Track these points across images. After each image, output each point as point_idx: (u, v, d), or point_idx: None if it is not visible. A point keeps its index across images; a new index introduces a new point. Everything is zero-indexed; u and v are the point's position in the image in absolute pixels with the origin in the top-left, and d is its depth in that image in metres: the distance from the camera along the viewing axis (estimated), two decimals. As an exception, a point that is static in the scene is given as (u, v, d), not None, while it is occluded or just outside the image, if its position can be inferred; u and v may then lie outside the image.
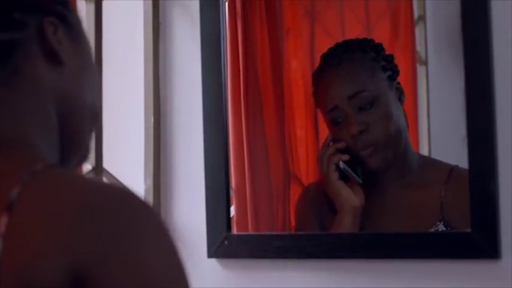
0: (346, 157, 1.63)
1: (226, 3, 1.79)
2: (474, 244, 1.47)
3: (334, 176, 1.65)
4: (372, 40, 1.67)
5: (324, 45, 1.76)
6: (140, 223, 0.81)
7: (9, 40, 0.89)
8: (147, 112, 1.85)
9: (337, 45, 1.69)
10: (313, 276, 1.64)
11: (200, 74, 1.77)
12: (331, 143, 1.66)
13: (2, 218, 0.79)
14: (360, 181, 1.64)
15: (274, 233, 1.74)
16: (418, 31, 1.69)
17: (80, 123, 0.96)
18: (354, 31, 1.74)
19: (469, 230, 1.48)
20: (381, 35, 1.71)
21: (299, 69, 1.79)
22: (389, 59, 1.65)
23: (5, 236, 0.78)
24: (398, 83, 1.64)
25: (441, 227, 1.57)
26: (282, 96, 1.79)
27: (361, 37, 1.69)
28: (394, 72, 1.64)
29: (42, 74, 0.91)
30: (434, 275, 1.52)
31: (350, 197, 1.64)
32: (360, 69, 1.65)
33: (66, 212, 0.79)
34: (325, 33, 1.78)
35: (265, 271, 1.69)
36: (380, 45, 1.66)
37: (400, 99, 1.64)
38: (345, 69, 1.65)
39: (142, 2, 1.85)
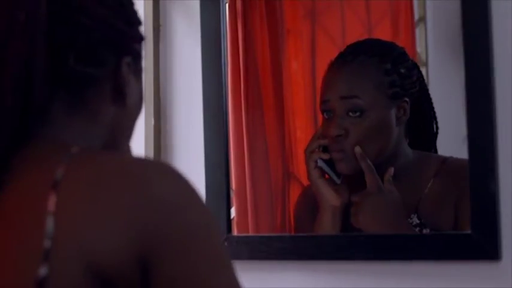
0: (326, 156, 1.63)
1: (227, 5, 1.79)
2: (474, 245, 1.47)
3: (315, 173, 1.64)
4: (399, 48, 1.64)
5: (324, 46, 1.76)
6: (183, 191, 0.86)
7: (88, 74, 0.93)
8: (147, 113, 1.85)
9: (364, 41, 1.67)
10: (313, 278, 1.64)
11: (200, 76, 1.77)
12: (319, 138, 1.65)
13: (50, 196, 0.82)
14: (338, 181, 1.64)
15: (274, 234, 1.73)
16: (419, 32, 1.69)
17: (119, 147, 1.01)
18: (355, 32, 1.74)
19: (469, 232, 1.48)
20: (381, 36, 1.71)
21: (299, 70, 1.79)
22: (405, 74, 1.61)
23: (55, 213, 0.81)
24: (406, 101, 1.60)
25: (415, 220, 1.58)
26: (282, 97, 1.79)
27: (391, 41, 1.68)
28: (404, 90, 1.60)
29: (105, 110, 0.95)
30: (435, 277, 1.52)
31: (329, 196, 1.63)
32: (366, 76, 1.61)
33: (113, 186, 0.83)
34: (326, 34, 1.78)
35: (266, 272, 1.69)
36: (402, 56, 1.62)
37: (400, 118, 1.60)
38: (352, 69, 1.63)
39: (142, 3, 1.85)
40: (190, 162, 1.80)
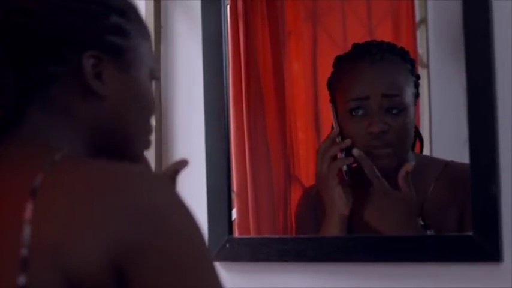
0: (350, 160, 1.61)
1: (228, 6, 1.79)
2: (476, 247, 1.47)
3: (334, 181, 1.62)
4: (409, 52, 1.64)
5: (325, 47, 1.76)
6: (162, 198, 0.85)
7: (50, 73, 0.93)
8: (148, 115, 1.85)
9: (380, 42, 1.65)
10: (314, 279, 1.64)
11: (202, 77, 1.77)
12: (337, 139, 1.63)
13: (27, 204, 0.82)
14: (348, 180, 1.63)
15: (276, 236, 1.73)
16: (420, 34, 1.69)
17: (122, 152, 0.98)
18: (356, 34, 1.74)
19: (471, 233, 1.48)
20: (382, 37, 1.71)
21: (300, 72, 1.79)
22: (418, 77, 1.63)
23: (32, 222, 0.81)
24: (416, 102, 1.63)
25: (420, 222, 1.57)
26: (284, 98, 1.79)
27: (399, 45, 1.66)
28: (418, 90, 1.63)
29: (77, 106, 0.94)
30: (436, 278, 1.52)
31: (341, 205, 1.62)
32: (400, 74, 1.62)
33: (90, 194, 0.82)
34: (327, 35, 1.78)
35: (267, 274, 1.68)
36: (414, 61, 1.63)
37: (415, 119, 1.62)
38: (386, 67, 1.62)
39: (143, 3, 1.85)
40: (192, 164, 1.80)
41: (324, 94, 1.71)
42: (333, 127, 1.66)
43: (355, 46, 1.67)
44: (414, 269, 1.54)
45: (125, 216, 0.81)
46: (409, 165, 1.58)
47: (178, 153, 1.84)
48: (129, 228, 0.81)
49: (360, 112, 1.60)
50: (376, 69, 1.62)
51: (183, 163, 1.20)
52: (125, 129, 0.98)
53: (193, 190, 1.79)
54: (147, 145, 1.03)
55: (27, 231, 0.80)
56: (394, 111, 1.59)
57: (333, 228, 1.63)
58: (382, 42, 1.65)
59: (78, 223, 0.81)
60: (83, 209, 0.81)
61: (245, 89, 1.80)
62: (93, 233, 0.80)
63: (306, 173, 1.77)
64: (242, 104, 1.80)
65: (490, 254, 1.46)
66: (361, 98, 1.61)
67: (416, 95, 1.62)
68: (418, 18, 1.69)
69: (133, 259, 0.80)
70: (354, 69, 1.64)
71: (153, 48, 1.08)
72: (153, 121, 1.05)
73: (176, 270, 0.82)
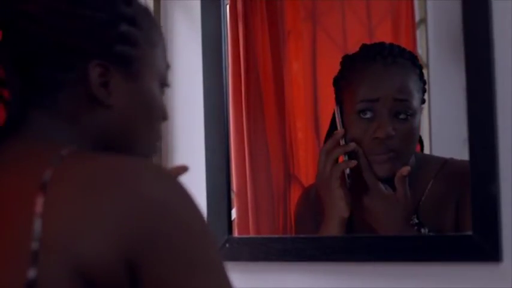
0: (354, 163, 1.60)
1: (228, 6, 1.79)
2: (475, 247, 1.47)
3: (336, 183, 1.61)
4: (417, 57, 1.63)
5: (325, 47, 1.76)
6: (170, 191, 0.86)
7: (55, 79, 0.93)
8: (148, 115, 1.85)
9: (391, 45, 1.64)
10: (314, 279, 1.64)
11: (201, 77, 1.77)
12: (341, 141, 1.62)
13: (37, 198, 0.82)
14: (350, 183, 1.63)
15: (275, 235, 1.74)
16: (419, 34, 1.69)
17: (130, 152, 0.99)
18: (356, 34, 1.74)
19: (470, 233, 1.48)
20: (382, 37, 1.71)
21: (300, 72, 1.79)
22: (425, 82, 1.63)
23: (42, 215, 0.81)
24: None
25: (414, 220, 1.58)
26: (283, 98, 1.79)
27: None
28: (424, 97, 1.62)
29: (83, 114, 0.94)
30: (435, 278, 1.52)
31: (342, 207, 1.61)
32: (410, 79, 1.61)
33: (99, 188, 0.82)
34: (327, 35, 1.78)
35: (266, 274, 1.69)
36: (422, 66, 1.63)
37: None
38: (398, 71, 1.61)
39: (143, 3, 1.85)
40: (192, 163, 1.80)
41: (324, 94, 1.71)
42: (330, 126, 1.66)
43: (365, 47, 1.66)
44: (414, 269, 1.55)
45: (134, 209, 0.82)
46: (405, 169, 1.58)
47: (179, 153, 1.84)
48: (138, 221, 0.81)
49: (368, 114, 1.60)
50: (388, 72, 1.62)
51: (183, 169, 1.20)
52: (131, 137, 0.99)
53: (193, 190, 1.78)
54: (154, 151, 1.04)
55: (37, 224, 0.81)
56: (402, 116, 1.59)
57: (332, 230, 1.63)
58: (393, 45, 1.64)
59: (88, 217, 0.81)
60: (92, 203, 0.82)
61: (245, 89, 1.80)
62: (102, 227, 0.80)
63: (306, 173, 1.77)
64: (242, 103, 1.80)
65: (490, 253, 1.46)
66: (370, 99, 1.60)
67: (423, 101, 1.62)
68: (417, 18, 1.69)
69: (143, 252, 0.81)
70: (365, 70, 1.63)
71: (166, 52, 1.07)
72: (161, 128, 1.06)
73: (187, 260, 0.82)
